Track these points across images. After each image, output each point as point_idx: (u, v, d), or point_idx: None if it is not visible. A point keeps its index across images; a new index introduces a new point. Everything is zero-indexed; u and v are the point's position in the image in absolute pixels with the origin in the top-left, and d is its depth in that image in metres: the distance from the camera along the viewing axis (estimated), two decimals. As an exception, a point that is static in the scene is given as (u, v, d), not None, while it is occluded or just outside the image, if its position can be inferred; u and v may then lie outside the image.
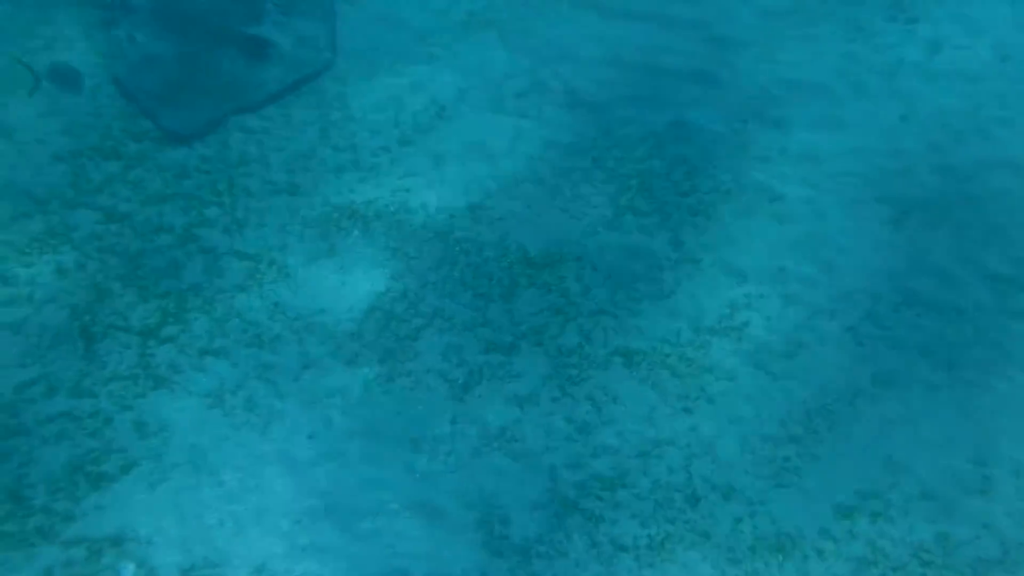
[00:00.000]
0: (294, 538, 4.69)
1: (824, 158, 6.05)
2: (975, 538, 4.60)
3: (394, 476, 4.92)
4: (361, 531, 4.73)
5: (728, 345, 5.39)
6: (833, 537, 4.66)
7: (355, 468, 4.93)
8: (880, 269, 5.55)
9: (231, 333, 5.28)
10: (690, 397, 5.22)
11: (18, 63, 5.33)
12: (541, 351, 5.41)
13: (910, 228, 5.68)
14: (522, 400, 5.22)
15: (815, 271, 5.61)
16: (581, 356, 5.39)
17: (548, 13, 6.76)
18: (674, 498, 4.83)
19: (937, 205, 5.71)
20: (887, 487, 4.77)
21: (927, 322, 5.29)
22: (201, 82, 6.20)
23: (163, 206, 5.68)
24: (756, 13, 6.71)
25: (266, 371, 5.18)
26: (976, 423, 4.93)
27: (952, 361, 5.19)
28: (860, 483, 4.80)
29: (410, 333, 5.43)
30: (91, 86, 6.10)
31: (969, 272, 5.38)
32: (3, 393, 4.95)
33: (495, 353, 5.39)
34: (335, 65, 6.43)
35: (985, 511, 4.60)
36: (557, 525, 4.79)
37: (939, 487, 4.72)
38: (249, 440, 4.92)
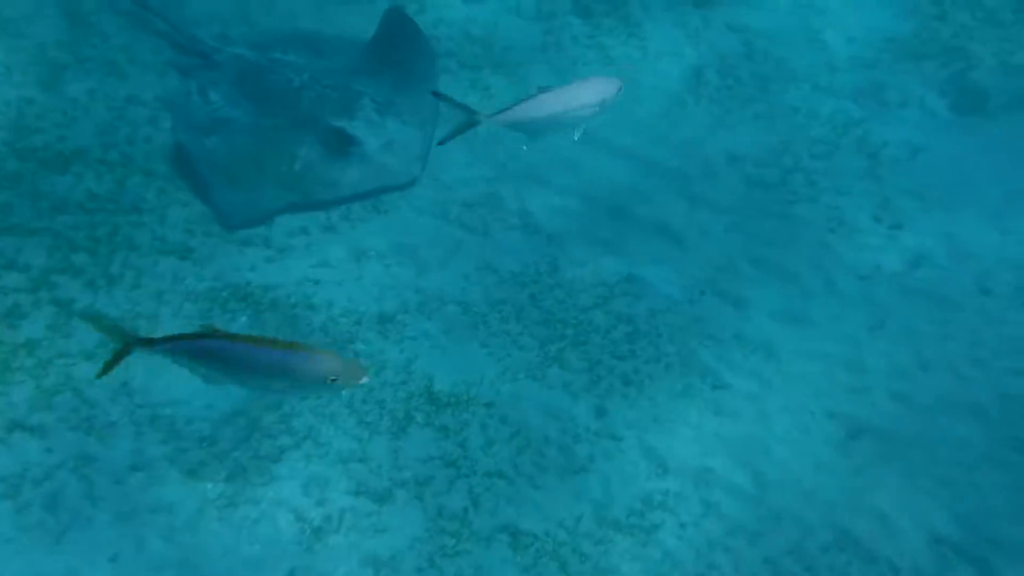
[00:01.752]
0: None
1: (780, 353, 5.53)
2: None
3: (202, 629, 4.11)
4: None
5: (631, 547, 4.73)
6: None
7: (157, 609, 4.12)
8: (817, 495, 4.97)
9: (58, 408, 4.49)
10: (575, 602, 4.53)
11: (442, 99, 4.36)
12: (419, 507, 4.69)
13: (857, 456, 5.13)
14: (381, 563, 4.47)
15: (745, 481, 5.02)
16: (463, 523, 4.68)
17: (520, 126, 6.25)
18: None
19: (891, 437, 5.19)
20: None
21: (856, 573, 4.70)
22: (268, 164, 5.53)
23: (26, 240, 4.92)
24: (741, 179, 6.29)
25: (85, 465, 4.38)
26: None
27: (876, 625, 4.60)
28: None
29: (273, 452, 4.69)
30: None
31: (912, 525, 4.83)
32: None
33: (364, 498, 4.66)
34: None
35: None
36: None
37: None
38: (35, 548, 4.08)
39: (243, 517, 4.45)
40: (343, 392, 4.49)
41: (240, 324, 5.07)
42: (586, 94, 4.29)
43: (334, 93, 5.78)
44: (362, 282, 5.39)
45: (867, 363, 5.52)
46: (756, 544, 4.77)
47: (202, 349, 3.32)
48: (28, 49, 5.60)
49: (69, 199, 5.13)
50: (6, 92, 5.39)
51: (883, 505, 4.91)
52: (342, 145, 5.59)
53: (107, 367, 3.43)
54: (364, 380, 3.33)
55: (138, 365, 4.75)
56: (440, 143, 4.49)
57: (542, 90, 4.25)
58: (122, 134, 5.50)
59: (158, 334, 4.84)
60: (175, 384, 4.73)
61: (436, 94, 4.41)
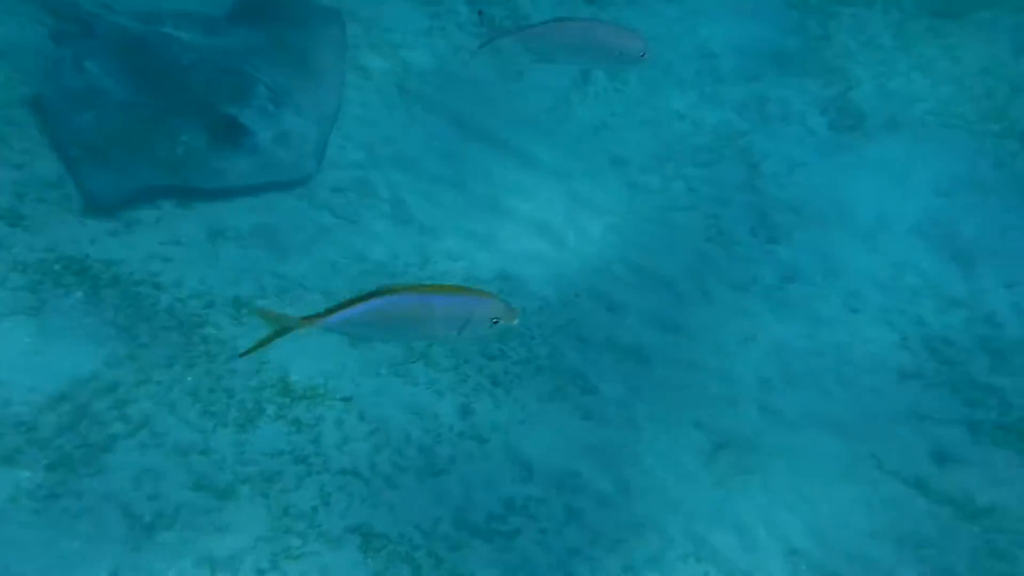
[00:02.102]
0: None
1: (651, 360, 5.57)
2: None
3: (4, 635, 3.78)
4: None
5: (489, 553, 4.64)
6: None
7: (-46, 611, 3.76)
8: (680, 505, 5.00)
9: None
10: (425, 610, 4.40)
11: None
12: (263, 505, 4.48)
13: (721, 467, 5.20)
14: (218, 563, 4.23)
15: (610, 488, 5.00)
16: (311, 523, 4.49)
17: (397, 110, 6.12)
18: None
19: (755, 449, 5.28)
20: None
21: (714, 583, 4.75)
22: (145, 144, 5.17)
23: None
24: (623, 182, 6.33)
25: None
26: None
27: (730, 637, 4.65)
28: None
29: (103, 441, 4.39)
30: None
31: (770, 538, 4.90)
32: None
33: (205, 492, 4.41)
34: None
35: None
36: None
37: None
38: None
39: (63, 510, 4.13)
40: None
41: (75, 300, 4.73)
42: (607, 38, 4.19)
43: (226, 77, 5.52)
44: (217, 263, 5.13)
45: (737, 374, 5.61)
46: (616, 552, 4.75)
47: (371, 312, 3.35)
48: None
49: None
50: None
51: (743, 517, 4.98)
52: (231, 134, 5.35)
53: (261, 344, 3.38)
54: (516, 321, 3.52)
55: (-49, 338, 4.37)
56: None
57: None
58: (-51, 83, 5.09)
59: None
60: (-7, 361, 4.37)
61: (480, 12, 4.32)
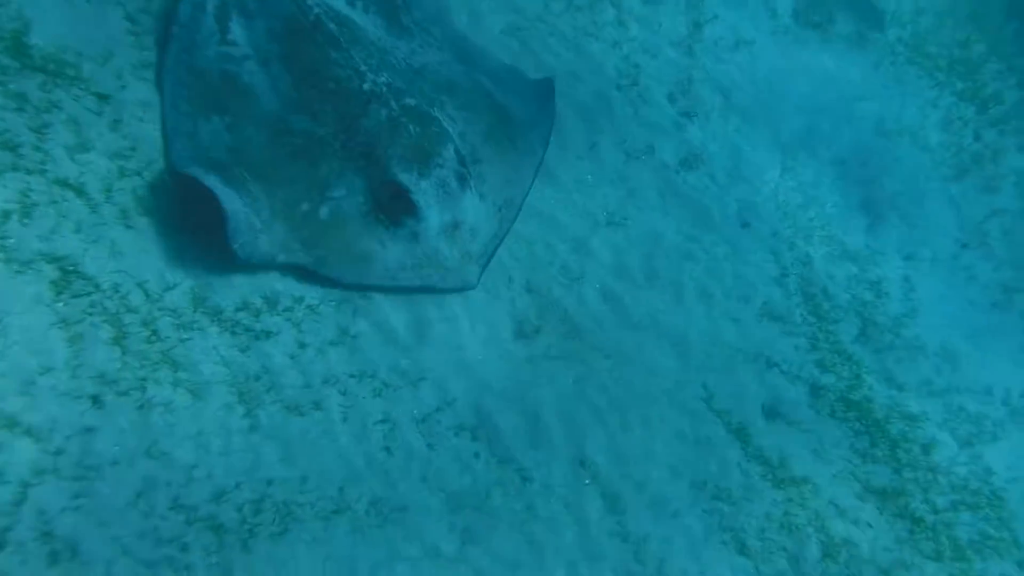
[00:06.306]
0: None
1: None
2: None
3: None
4: None
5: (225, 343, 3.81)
6: None
7: None
8: (481, 373, 4.32)
9: None
10: None
11: None
12: None
13: (540, 343, 4.53)
14: None
15: (403, 330, 4.24)
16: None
17: None
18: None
19: (582, 337, 4.63)
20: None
21: (480, 466, 4.13)
22: (285, 188, 3.88)
23: None
24: (545, -21, 5.36)
25: None
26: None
27: (476, 532, 4.06)
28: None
29: None
30: None
31: (566, 444, 4.33)
32: None
33: None
34: None
35: None
36: None
37: None
38: None
39: None
40: None
41: None
42: None
43: (412, 124, 4.11)
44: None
45: (592, 247, 4.91)
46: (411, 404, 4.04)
47: None
48: None
49: None
50: None
51: (540, 407, 4.35)
52: (394, 209, 4.03)
53: None
54: None
55: None
56: None
57: None
58: None
59: None
60: None
61: None
